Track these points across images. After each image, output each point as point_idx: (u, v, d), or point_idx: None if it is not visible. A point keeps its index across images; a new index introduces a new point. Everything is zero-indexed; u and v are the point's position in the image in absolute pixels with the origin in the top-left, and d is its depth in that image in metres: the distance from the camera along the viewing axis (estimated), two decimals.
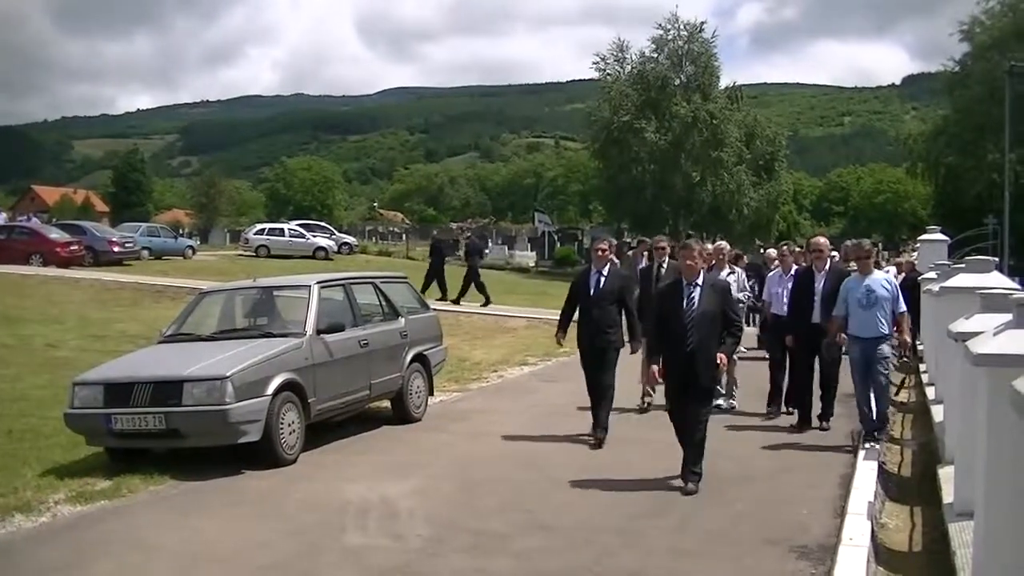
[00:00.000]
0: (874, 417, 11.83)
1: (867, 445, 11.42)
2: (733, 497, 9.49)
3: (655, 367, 10.21)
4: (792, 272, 14.34)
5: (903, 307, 12.02)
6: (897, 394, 15.73)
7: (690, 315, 9.69)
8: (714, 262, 15.45)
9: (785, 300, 13.94)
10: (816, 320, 12.85)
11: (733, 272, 15.75)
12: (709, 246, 16.54)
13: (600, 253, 12.46)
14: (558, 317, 13.03)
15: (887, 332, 11.69)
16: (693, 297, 9.76)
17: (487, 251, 51.90)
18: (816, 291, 12.95)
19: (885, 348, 11.72)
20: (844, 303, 11.87)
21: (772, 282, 14.90)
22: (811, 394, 13.16)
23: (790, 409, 13.72)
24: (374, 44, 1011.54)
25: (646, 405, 14.13)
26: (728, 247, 16.97)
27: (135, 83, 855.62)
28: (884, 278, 12.09)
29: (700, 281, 9.89)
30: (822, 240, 13.90)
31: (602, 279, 12.21)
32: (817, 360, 13.09)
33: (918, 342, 20.93)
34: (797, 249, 26.23)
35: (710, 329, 9.71)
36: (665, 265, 14.35)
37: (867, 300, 11.58)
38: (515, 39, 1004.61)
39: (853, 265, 12.52)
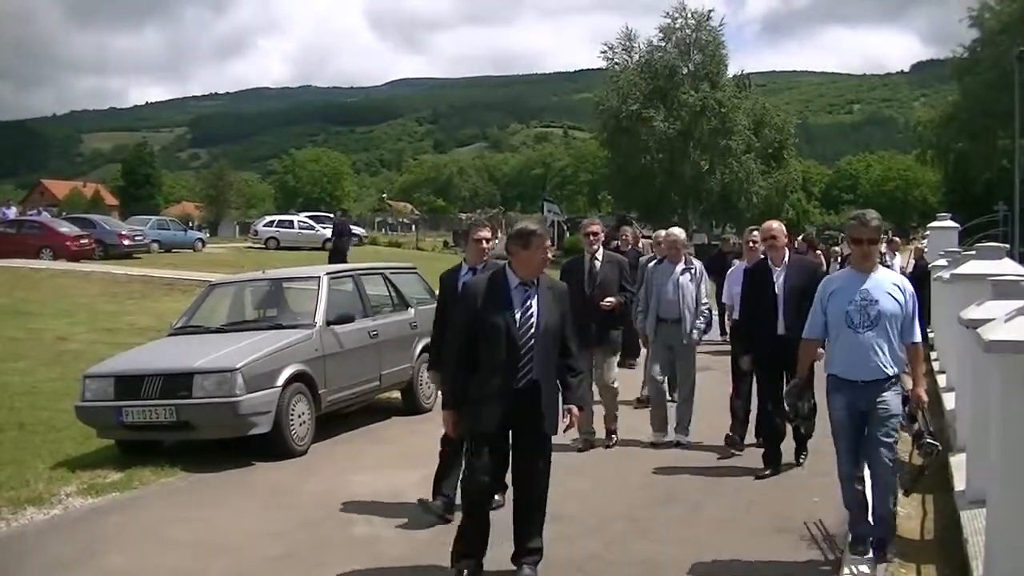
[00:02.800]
0: (870, 517, 7.27)
1: (856, 567, 6.94)
2: (743, 486, 9.48)
3: (452, 413, 6.96)
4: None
5: (917, 335, 7.18)
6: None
7: (527, 333, 6.67)
8: (664, 256, 12.08)
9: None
10: (781, 331, 9.64)
11: (690, 268, 11.59)
12: (663, 232, 13.33)
13: (480, 244, 8.75)
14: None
15: (893, 372, 7.05)
16: (530, 306, 6.71)
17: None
18: (775, 290, 9.88)
19: (890, 400, 7.08)
20: (822, 317, 7.27)
21: (733, 279, 12.13)
22: (782, 423, 9.73)
23: (760, 440, 10.48)
24: (384, 35, 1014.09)
25: (584, 440, 11.02)
26: (683, 235, 12.17)
27: (144, 76, 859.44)
28: (894, 281, 7.22)
29: (535, 282, 6.81)
30: (775, 225, 10.34)
31: None
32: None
33: (929, 330, 20.86)
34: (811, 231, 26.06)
35: (551, 352, 6.82)
36: (600, 258, 11.35)
37: (863, 316, 6.99)
38: (525, 28, 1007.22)
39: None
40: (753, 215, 67.07)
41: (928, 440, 7.35)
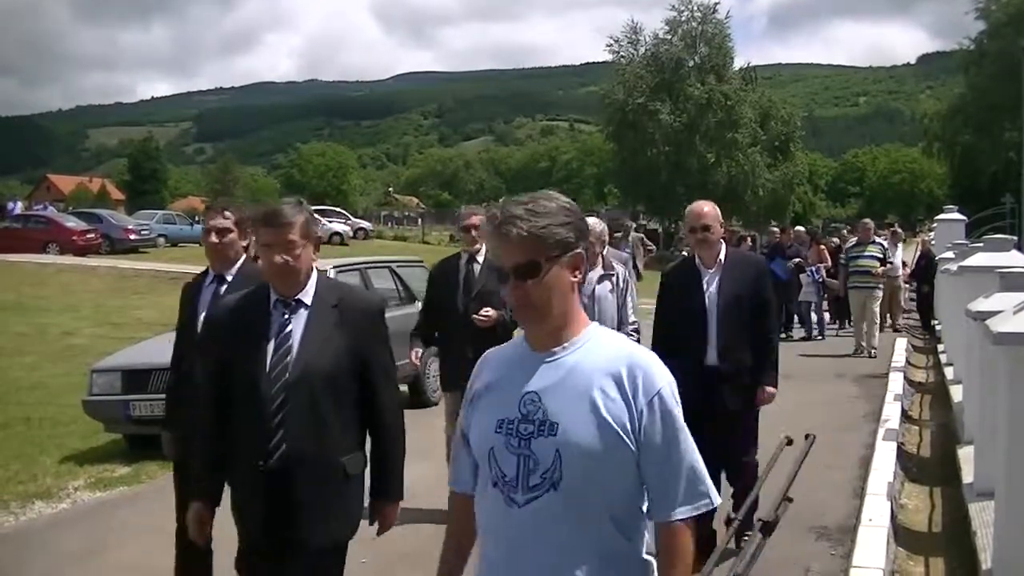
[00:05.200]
0: None
1: None
2: None
3: (198, 508, 4.40)
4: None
5: (680, 505, 2.79)
6: None
7: (279, 374, 4.16)
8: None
9: None
10: (712, 361, 6.89)
11: (609, 276, 8.37)
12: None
13: (213, 238, 5.95)
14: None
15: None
16: (287, 337, 4.21)
17: None
18: (705, 303, 6.95)
19: None
20: (467, 454, 3.03)
21: None
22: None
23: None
24: (391, 29, 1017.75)
25: None
26: (599, 227, 8.85)
27: (151, 71, 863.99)
28: (615, 366, 2.79)
29: (308, 296, 4.31)
30: (706, 208, 7.11)
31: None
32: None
33: (936, 322, 20.84)
34: (801, 229, 25.85)
35: (328, 411, 4.23)
36: (480, 260, 8.32)
37: (521, 462, 2.78)
38: (531, 23, 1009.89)
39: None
40: (760, 208, 67.18)
41: None
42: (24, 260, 31.94)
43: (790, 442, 3.49)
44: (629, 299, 8.44)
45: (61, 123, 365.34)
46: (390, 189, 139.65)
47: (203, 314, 5.70)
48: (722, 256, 7.02)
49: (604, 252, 9.13)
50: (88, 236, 38.34)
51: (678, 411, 2.82)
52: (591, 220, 8.28)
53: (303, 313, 4.24)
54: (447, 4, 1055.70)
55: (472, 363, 6.68)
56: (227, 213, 5.91)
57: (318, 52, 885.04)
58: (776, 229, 26.25)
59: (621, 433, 2.71)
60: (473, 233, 8.35)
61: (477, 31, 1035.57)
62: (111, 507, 9.17)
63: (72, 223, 39.88)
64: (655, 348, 6.42)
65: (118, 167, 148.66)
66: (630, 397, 2.73)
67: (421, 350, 8.85)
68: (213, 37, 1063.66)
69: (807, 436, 3.43)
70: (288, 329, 4.20)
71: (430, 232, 69.03)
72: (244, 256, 5.93)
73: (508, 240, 2.73)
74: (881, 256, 18.52)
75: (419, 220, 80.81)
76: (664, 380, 2.79)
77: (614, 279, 8.37)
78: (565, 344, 2.82)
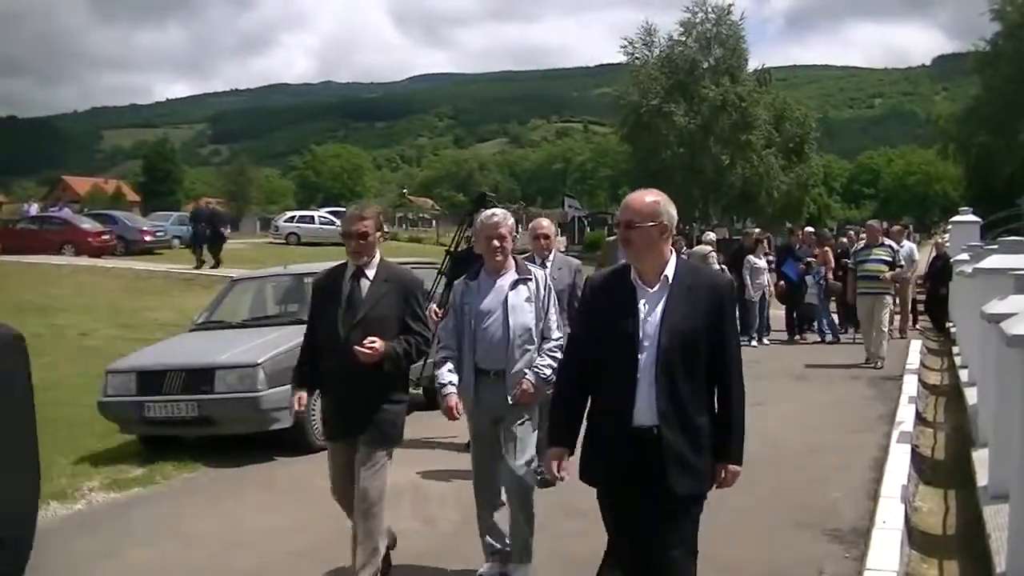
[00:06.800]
0: None
1: None
2: (762, 480, 9.45)
3: None
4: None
5: None
6: None
7: None
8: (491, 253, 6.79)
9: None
10: (644, 420, 4.51)
11: (526, 280, 6.87)
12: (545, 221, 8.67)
13: None
14: None
15: None
16: None
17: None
18: (639, 334, 4.52)
19: None
20: None
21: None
22: None
23: None
24: (406, 30, 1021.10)
25: None
26: (509, 221, 6.97)
27: (167, 72, 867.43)
28: None
29: None
30: (648, 199, 4.62)
31: None
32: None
33: (950, 324, 20.78)
34: (808, 230, 25.61)
35: None
36: (371, 276, 6.63)
37: None
38: (546, 24, 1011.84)
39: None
40: (774, 210, 67.06)
41: None
42: (40, 261, 32.05)
43: None
44: (552, 309, 6.90)
45: (76, 124, 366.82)
46: (404, 191, 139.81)
47: None
48: (670, 270, 4.63)
49: (550, 254, 9.05)
50: (103, 237, 38.44)
51: None
52: (496, 212, 7.05)
53: None
54: (462, 5, 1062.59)
55: (356, 406, 6.00)
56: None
57: (333, 53, 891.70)
58: (753, 230, 26.20)
59: None
60: (358, 243, 6.54)
61: (492, 32, 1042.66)
62: (126, 508, 9.22)
63: (87, 224, 39.98)
64: (557, 397, 5.05)
65: (133, 168, 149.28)
66: None
67: (304, 394, 6.90)
68: (229, 38, 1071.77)
69: None
70: None
71: (445, 234, 69.07)
72: None
73: None
74: (890, 259, 17.60)
75: (434, 222, 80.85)
76: None
77: (531, 285, 6.83)
78: None
